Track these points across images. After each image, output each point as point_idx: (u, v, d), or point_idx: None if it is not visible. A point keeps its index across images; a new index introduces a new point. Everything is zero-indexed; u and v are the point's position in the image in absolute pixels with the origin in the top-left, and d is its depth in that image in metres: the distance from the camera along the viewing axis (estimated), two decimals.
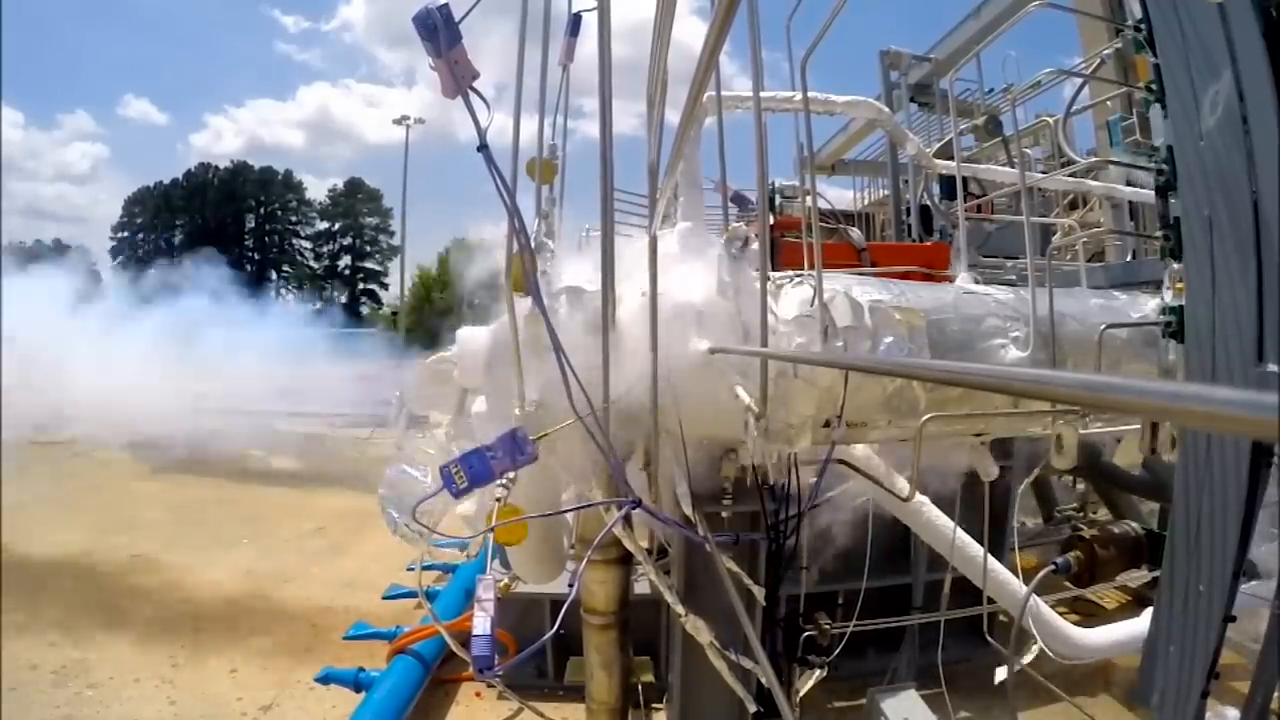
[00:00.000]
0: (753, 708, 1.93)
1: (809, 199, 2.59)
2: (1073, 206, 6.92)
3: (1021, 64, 7.02)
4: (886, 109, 4.10)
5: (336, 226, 51.31)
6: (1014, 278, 4.67)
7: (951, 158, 4.28)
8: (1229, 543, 1.49)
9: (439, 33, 1.40)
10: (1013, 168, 5.20)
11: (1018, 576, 3.12)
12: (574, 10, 2.24)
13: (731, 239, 1.97)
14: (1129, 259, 5.51)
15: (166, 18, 60.82)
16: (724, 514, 1.96)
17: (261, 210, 50.59)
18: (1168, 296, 1.90)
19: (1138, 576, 3.45)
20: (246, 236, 50.00)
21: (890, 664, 4.29)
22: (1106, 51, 5.73)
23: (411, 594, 5.42)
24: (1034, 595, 2.80)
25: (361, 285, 51.47)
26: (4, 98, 45.32)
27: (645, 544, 2.37)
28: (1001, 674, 3.15)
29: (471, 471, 1.63)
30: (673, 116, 1.84)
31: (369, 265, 51.68)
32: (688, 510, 1.88)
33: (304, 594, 6.20)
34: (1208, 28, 1.49)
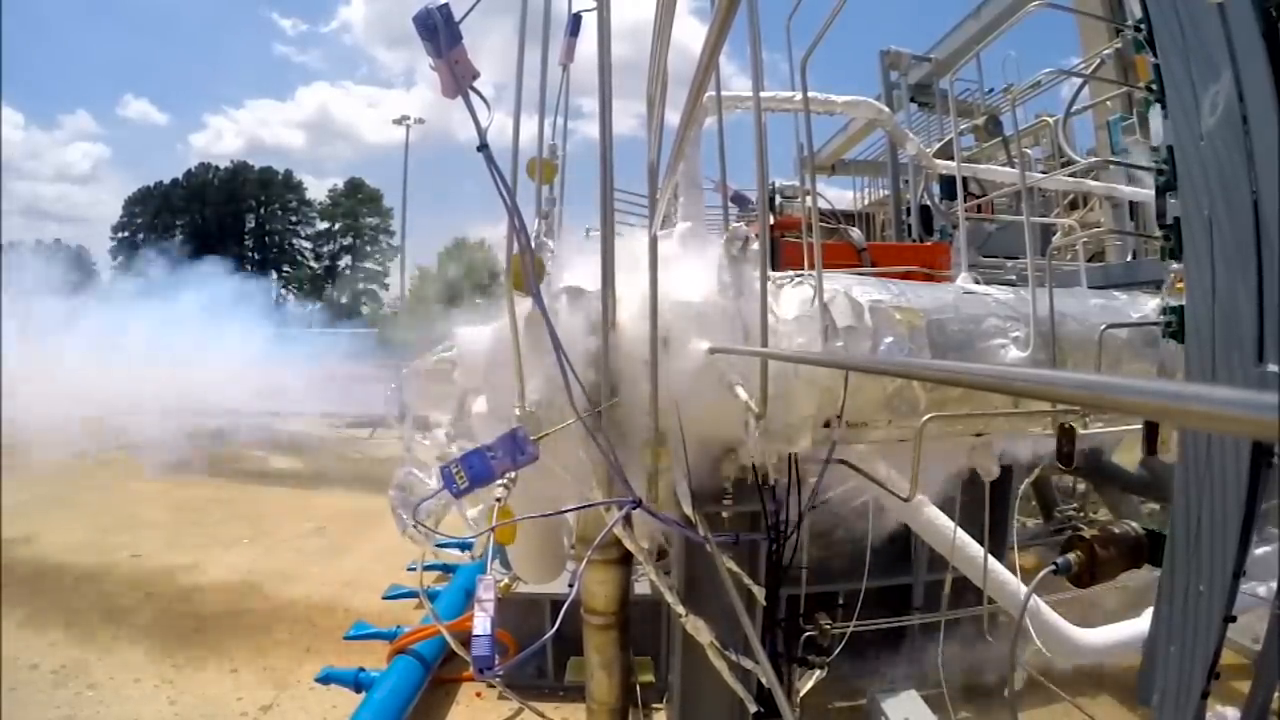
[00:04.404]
0: (753, 708, 1.92)
1: (809, 199, 2.59)
2: (1073, 206, 6.93)
3: (1021, 64, 7.03)
4: (886, 109, 4.10)
5: (336, 226, 51.28)
6: (1014, 278, 4.67)
7: (951, 158, 4.28)
8: (1229, 543, 1.49)
9: (439, 33, 1.40)
10: (1013, 168, 5.20)
11: (1018, 576, 3.12)
12: (574, 10, 2.24)
13: (731, 239, 1.97)
14: (1129, 259, 5.52)
15: (166, 18, 60.74)
16: (724, 514, 1.96)
17: (261, 210, 50.57)
18: (1167, 296, 1.90)
19: (1138, 576, 3.45)
20: (246, 236, 49.98)
21: (890, 664, 4.29)
22: (1106, 51, 5.74)
23: (412, 594, 5.42)
24: (1034, 595, 2.80)
25: (362, 285, 51.47)
26: (4, 98, 45.29)
27: (645, 544, 2.37)
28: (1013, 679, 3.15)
29: (472, 471, 1.63)
30: (673, 116, 1.84)
31: (369, 265, 51.69)
32: (688, 510, 1.88)
33: (304, 594, 6.20)
34: (1208, 28, 1.49)
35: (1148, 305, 2.60)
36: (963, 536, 2.82)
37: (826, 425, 1.98)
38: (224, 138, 63.38)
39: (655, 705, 3.91)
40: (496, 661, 1.25)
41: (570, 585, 1.68)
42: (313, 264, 51.37)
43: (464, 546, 5.24)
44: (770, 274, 1.88)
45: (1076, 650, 3.09)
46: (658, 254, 1.70)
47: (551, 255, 2.11)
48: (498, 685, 1.67)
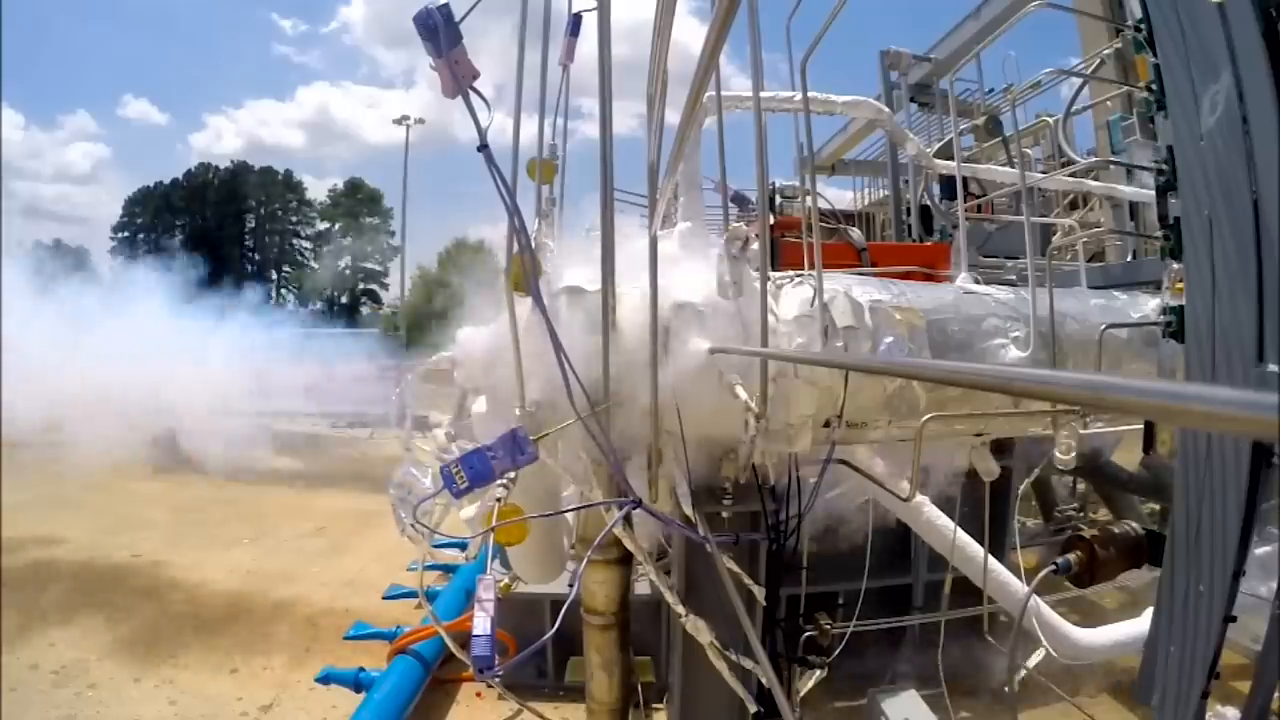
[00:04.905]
0: (753, 708, 1.92)
1: (809, 199, 2.59)
2: (1073, 206, 6.93)
3: (1021, 64, 7.04)
4: (886, 109, 4.10)
5: (336, 226, 51.30)
6: (1014, 278, 4.67)
7: (951, 158, 4.28)
8: (1229, 543, 1.49)
9: (439, 33, 1.40)
10: (1013, 168, 5.20)
11: (1018, 576, 3.12)
12: (574, 10, 2.24)
13: (731, 239, 1.96)
14: (1129, 259, 5.51)
15: (166, 18, 60.65)
16: (724, 514, 1.96)
17: (261, 210, 50.57)
18: (1167, 296, 1.90)
19: (1138, 576, 3.46)
20: (246, 237, 50.00)
21: (890, 664, 4.29)
22: (1106, 51, 5.74)
23: (412, 594, 5.43)
24: (1034, 595, 2.80)
25: (361, 285, 51.48)
26: (4, 98, 45.26)
27: (645, 544, 2.37)
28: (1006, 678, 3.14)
29: (472, 471, 1.63)
30: (673, 116, 1.84)
31: (369, 265, 51.70)
32: (688, 510, 1.88)
33: (304, 594, 6.20)
34: (1208, 28, 1.49)
35: (1148, 305, 2.60)
36: (963, 536, 2.82)
37: (826, 425, 1.98)
38: (224, 138, 63.50)
39: (655, 705, 3.91)
40: (496, 662, 1.25)
41: (570, 585, 1.67)
42: (313, 264, 51.38)
43: (464, 546, 5.25)
44: (770, 274, 1.88)
45: (1076, 650, 3.09)
46: (658, 254, 1.70)
47: (551, 255, 2.11)
48: (496, 686, 1.66)
